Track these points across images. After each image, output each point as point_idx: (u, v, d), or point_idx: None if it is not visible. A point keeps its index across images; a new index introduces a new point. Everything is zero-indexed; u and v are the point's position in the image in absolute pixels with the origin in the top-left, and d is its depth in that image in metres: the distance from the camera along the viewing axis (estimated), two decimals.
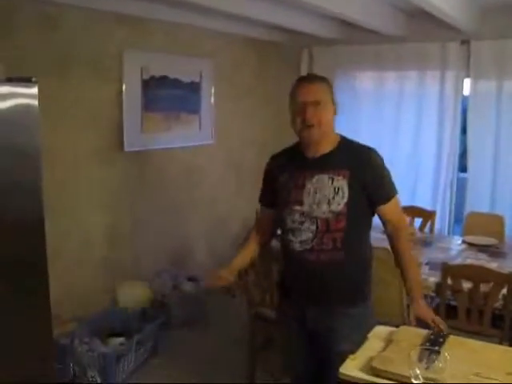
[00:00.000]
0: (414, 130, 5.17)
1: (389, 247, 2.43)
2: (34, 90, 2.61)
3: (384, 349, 1.95)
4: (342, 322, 2.26)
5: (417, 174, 5.22)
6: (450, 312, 3.15)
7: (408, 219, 4.61)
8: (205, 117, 4.92)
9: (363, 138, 5.37)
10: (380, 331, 2.12)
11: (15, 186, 2.57)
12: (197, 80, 4.80)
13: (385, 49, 5.13)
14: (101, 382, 3.46)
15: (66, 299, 3.71)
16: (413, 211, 4.64)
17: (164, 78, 4.44)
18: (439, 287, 3.19)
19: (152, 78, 4.33)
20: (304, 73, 5.58)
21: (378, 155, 2.30)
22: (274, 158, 2.50)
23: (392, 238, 2.37)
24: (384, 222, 2.36)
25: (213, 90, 4.96)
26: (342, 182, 2.20)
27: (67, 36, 3.68)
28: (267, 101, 5.65)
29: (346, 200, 2.18)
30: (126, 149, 4.21)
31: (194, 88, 4.78)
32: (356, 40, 5.19)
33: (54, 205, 3.28)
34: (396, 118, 5.25)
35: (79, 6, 3.56)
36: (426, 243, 4.05)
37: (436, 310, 3.43)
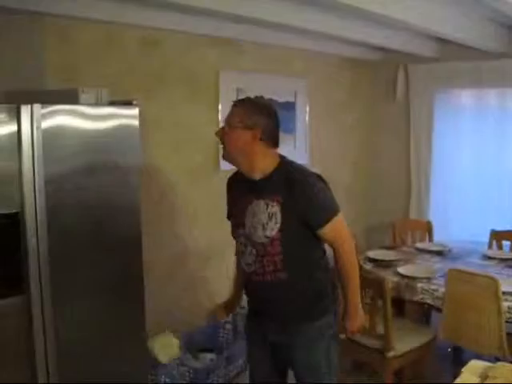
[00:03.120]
0: None
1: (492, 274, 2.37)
2: (135, 111, 2.76)
3: None
4: (299, 336, 2.38)
5: None
6: None
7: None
8: (299, 136, 4.94)
9: (463, 156, 5.29)
10: (475, 366, 2.03)
11: (116, 200, 2.71)
12: (291, 99, 4.83)
13: (484, 65, 4.95)
14: None
15: (161, 313, 3.83)
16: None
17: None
18: None
19: None
20: (400, 90, 5.50)
21: (312, 182, 2.29)
22: (231, 176, 2.59)
23: (334, 257, 2.40)
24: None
25: (307, 109, 4.98)
26: (275, 208, 2.24)
27: (166, 59, 3.84)
28: (361, 120, 5.60)
29: (278, 226, 2.23)
30: (222, 167, 4.30)
31: (289, 107, 4.81)
32: (453, 57, 5.05)
33: (150, 220, 3.41)
34: (498, 135, 5.06)
35: (177, 30, 3.70)
36: None
37: None
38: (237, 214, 2.41)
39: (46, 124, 2.39)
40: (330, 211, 2.31)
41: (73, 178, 2.52)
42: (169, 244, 4.00)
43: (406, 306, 3.76)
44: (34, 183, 2.35)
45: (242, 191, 2.39)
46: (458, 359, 3.63)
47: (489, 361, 2.10)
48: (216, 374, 3.66)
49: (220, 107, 4.24)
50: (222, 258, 4.43)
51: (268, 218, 2.25)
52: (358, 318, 2.47)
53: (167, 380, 3.46)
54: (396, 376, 3.38)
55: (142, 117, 2.77)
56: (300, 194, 2.25)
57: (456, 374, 2.01)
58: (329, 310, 2.44)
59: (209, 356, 3.75)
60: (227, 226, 4.37)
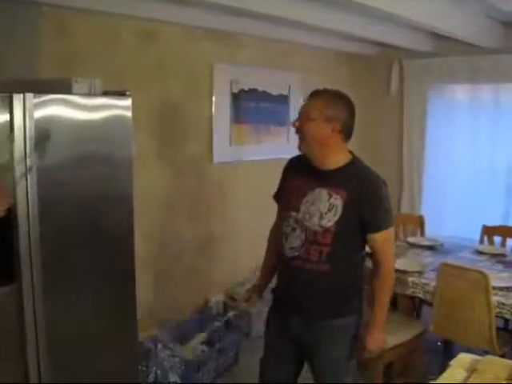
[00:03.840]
0: None
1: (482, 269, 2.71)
2: (128, 102, 2.73)
3: (466, 379, 1.86)
4: (324, 331, 2.36)
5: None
6: None
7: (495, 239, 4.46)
8: (293, 130, 4.91)
9: (456, 152, 5.31)
10: (463, 359, 2.04)
11: (108, 191, 2.70)
12: (285, 93, 4.84)
13: (480, 61, 4.97)
14: None
15: (154, 305, 3.85)
16: (505, 231, 4.46)
17: (253, 91, 4.51)
18: None
19: (241, 90, 4.41)
20: (394, 85, 5.50)
21: (381, 186, 2.32)
22: (292, 159, 2.55)
23: (373, 270, 2.42)
24: (371, 252, 2.40)
25: (301, 103, 4.96)
26: (338, 201, 2.24)
27: (161, 50, 3.83)
28: (357, 114, 5.59)
29: (336, 218, 2.24)
30: (215, 160, 4.30)
31: (282, 101, 4.82)
32: (448, 51, 5.07)
33: (142, 212, 3.41)
34: (492, 131, 5.09)
35: (172, 21, 3.70)
36: None
37: None
38: (292, 197, 2.38)
39: (39, 114, 2.37)
40: (390, 220, 2.34)
41: (65, 169, 2.50)
42: (162, 237, 4.01)
43: (397, 300, 3.77)
44: (26, 173, 2.34)
45: (304, 176, 2.36)
46: (448, 353, 3.64)
47: (478, 354, 2.11)
48: (207, 366, 3.67)
49: (214, 99, 4.23)
50: (218, 251, 4.45)
51: (328, 209, 2.25)
52: (380, 336, 2.43)
53: (158, 371, 3.47)
54: (386, 369, 3.40)
55: (134, 108, 2.77)
56: (369, 193, 2.28)
57: (445, 367, 2.02)
58: (357, 310, 2.44)
59: (200, 348, 3.76)
60: (224, 217, 4.42)
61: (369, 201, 2.26)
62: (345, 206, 2.23)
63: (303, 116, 2.29)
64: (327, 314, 2.37)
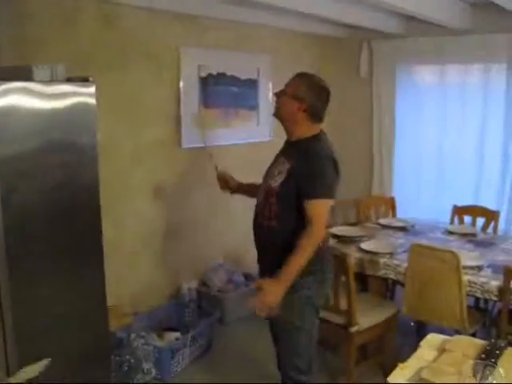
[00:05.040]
0: (480, 126, 5.01)
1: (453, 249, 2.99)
2: (92, 89, 2.68)
3: (436, 359, 1.88)
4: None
5: (481, 172, 5.06)
6: None
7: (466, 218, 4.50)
8: (263, 113, 4.90)
9: (425, 133, 5.35)
10: (433, 339, 2.05)
11: (74, 180, 2.66)
12: (254, 77, 4.79)
13: (447, 41, 4.98)
14: (155, 375, 3.53)
15: (124, 293, 3.80)
16: (475, 210, 4.52)
17: (221, 75, 4.46)
18: (501, 291, 3.08)
19: (209, 75, 4.36)
20: (364, 67, 5.50)
21: (324, 162, 2.52)
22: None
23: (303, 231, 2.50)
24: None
25: (270, 86, 4.94)
26: (285, 168, 2.57)
27: (125, 34, 3.74)
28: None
29: (281, 181, 2.55)
30: (184, 145, 4.25)
31: (252, 85, 4.77)
32: (417, 33, 5.07)
33: (111, 198, 3.35)
34: (460, 112, 5.11)
35: (137, 5, 3.62)
36: (489, 244, 3.89)
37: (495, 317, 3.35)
38: (269, 166, 2.75)
39: None
40: (324, 192, 2.50)
41: (28, 158, 2.45)
42: (131, 223, 3.95)
43: (370, 282, 3.79)
44: None
45: (281, 150, 2.74)
46: (421, 333, 3.68)
47: (450, 335, 2.12)
48: (181, 352, 3.65)
49: (181, 84, 4.17)
50: (186, 235, 4.41)
51: (278, 172, 2.60)
52: (277, 291, 2.42)
53: (132, 360, 3.44)
54: (360, 350, 3.42)
55: (99, 94, 2.70)
56: (309, 166, 2.50)
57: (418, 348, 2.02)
58: (309, 273, 2.51)
59: (174, 335, 3.74)
60: (192, 202, 4.38)
61: (307, 172, 2.49)
62: (288, 172, 2.54)
63: (282, 89, 2.64)
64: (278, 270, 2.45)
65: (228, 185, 3.11)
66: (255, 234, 2.73)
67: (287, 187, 2.53)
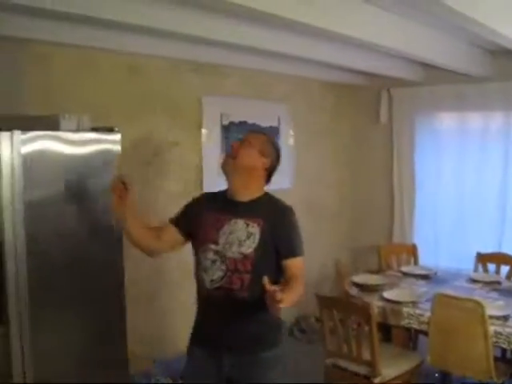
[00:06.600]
0: (501, 172, 4.96)
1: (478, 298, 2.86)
2: (117, 137, 2.78)
3: None
4: (255, 371, 2.34)
5: (504, 218, 4.97)
6: None
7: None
8: (283, 160, 4.91)
9: (446, 180, 5.30)
10: None
11: (97, 226, 2.71)
12: (275, 124, 4.85)
13: (467, 88, 5.00)
14: None
15: (145, 339, 3.78)
16: (498, 258, 4.45)
17: (243, 123, 4.52)
18: None
19: (231, 123, 4.42)
20: (384, 114, 5.52)
21: (294, 214, 2.43)
22: (207, 194, 2.67)
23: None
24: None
25: (291, 134, 4.99)
26: (255, 229, 2.33)
27: (146, 85, 3.83)
28: (345, 143, 5.62)
29: (255, 245, 2.31)
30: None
31: (273, 132, 4.82)
32: (436, 80, 5.10)
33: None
34: (480, 159, 5.08)
35: (159, 55, 3.71)
36: None
37: None
38: (209, 230, 2.40)
39: (26, 150, 2.37)
40: (302, 248, 2.41)
41: (53, 204, 2.51)
42: (149, 268, 3.95)
43: (393, 331, 3.73)
44: (13, 209, 2.32)
45: (220, 210, 2.42)
46: None
47: None
48: None
49: (203, 131, 4.23)
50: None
51: (246, 236, 2.33)
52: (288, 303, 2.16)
53: None
54: None
55: (124, 141, 2.76)
56: (284, 221, 2.40)
57: None
58: (282, 342, 2.43)
59: None
60: None
61: (284, 228, 2.38)
62: (262, 233, 2.33)
63: (245, 141, 2.43)
64: (254, 346, 2.35)
65: (124, 199, 2.35)
66: (215, 313, 2.38)
67: (265, 250, 2.32)
